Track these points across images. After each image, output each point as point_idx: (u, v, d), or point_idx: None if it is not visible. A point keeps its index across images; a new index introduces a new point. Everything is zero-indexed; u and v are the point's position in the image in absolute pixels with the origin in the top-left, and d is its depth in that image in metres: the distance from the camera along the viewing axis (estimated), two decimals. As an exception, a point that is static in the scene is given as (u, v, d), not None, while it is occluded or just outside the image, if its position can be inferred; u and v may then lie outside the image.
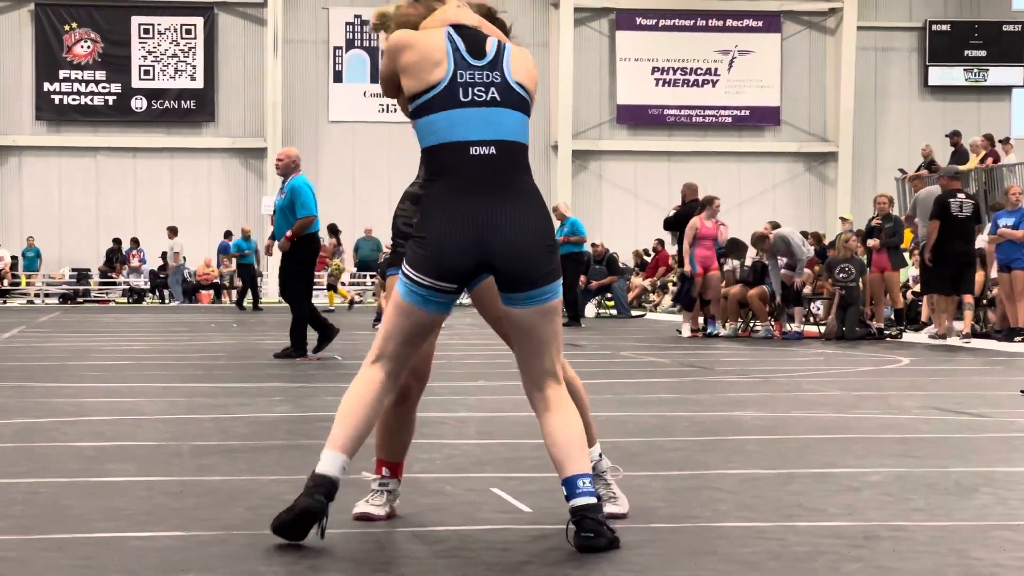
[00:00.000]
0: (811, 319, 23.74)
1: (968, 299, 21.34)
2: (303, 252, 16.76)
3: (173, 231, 42.42)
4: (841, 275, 21.67)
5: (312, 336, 16.80)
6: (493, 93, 5.62)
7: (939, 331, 21.29)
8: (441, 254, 5.53)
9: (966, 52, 48.74)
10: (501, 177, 5.60)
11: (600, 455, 6.09)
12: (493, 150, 5.62)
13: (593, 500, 5.41)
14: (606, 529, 5.35)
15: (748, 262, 23.08)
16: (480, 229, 5.53)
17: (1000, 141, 32.14)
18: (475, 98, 5.59)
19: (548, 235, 5.60)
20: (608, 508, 5.91)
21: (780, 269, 22.14)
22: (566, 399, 5.63)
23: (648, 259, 39.72)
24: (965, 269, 21.37)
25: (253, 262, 36.94)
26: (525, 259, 5.53)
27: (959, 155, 32.00)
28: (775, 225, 24.21)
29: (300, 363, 16.04)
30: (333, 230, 38.25)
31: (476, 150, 5.60)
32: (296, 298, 16.77)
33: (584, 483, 5.44)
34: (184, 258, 43.12)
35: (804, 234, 25.66)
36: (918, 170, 34.06)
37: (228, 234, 43.07)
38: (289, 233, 16.55)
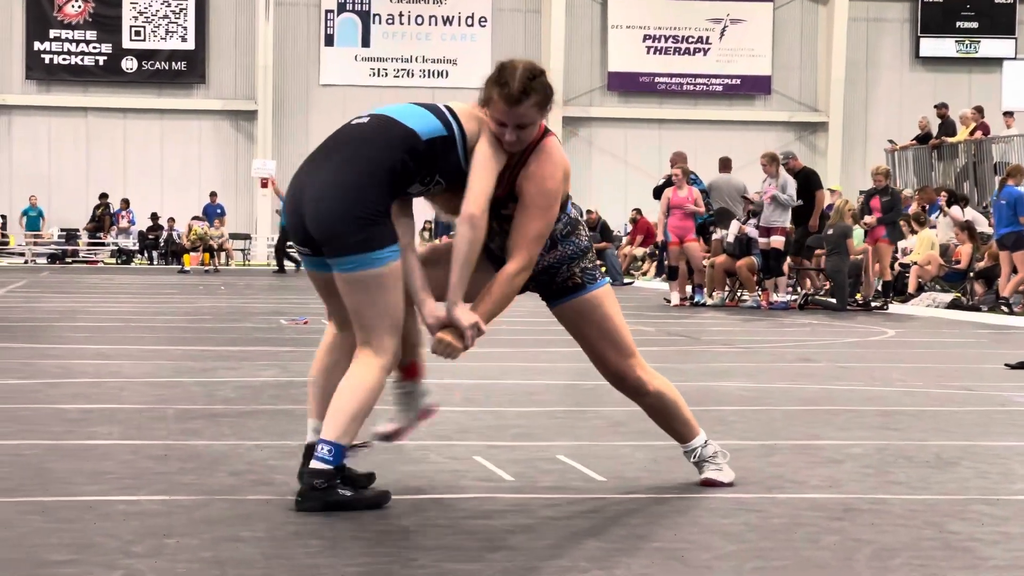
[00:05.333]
0: (797, 289, 23.75)
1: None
2: None
3: None
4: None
5: None
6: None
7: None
8: (286, 218, 5.75)
9: (958, 23, 48.68)
10: (349, 144, 5.66)
11: (706, 442, 6.16)
12: (366, 119, 5.74)
13: (324, 467, 5.47)
14: (322, 494, 5.45)
15: (731, 237, 23.05)
16: (299, 190, 5.66)
17: (1004, 114, 32.05)
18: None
19: (364, 205, 5.48)
20: (710, 475, 6.13)
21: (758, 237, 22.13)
22: (361, 369, 5.58)
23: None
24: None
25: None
26: (325, 222, 5.51)
27: (946, 127, 31.98)
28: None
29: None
30: (212, 195, 42.34)
31: (353, 120, 5.79)
32: None
33: (324, 449, 5.49)
34: None
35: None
36: (912, 140, 34.02)
37: (214, 195, 43.26)
38: None
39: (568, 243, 5.91)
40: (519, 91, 5.54)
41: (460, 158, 5.64)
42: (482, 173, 5.58)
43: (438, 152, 5.60)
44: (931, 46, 48.67)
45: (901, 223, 25.12)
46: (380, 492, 5.68)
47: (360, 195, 5.49)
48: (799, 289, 23.29)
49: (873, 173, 23.86)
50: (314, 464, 5.49)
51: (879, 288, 22.85)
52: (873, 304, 21.99)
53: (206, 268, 38.34)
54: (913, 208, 26.59)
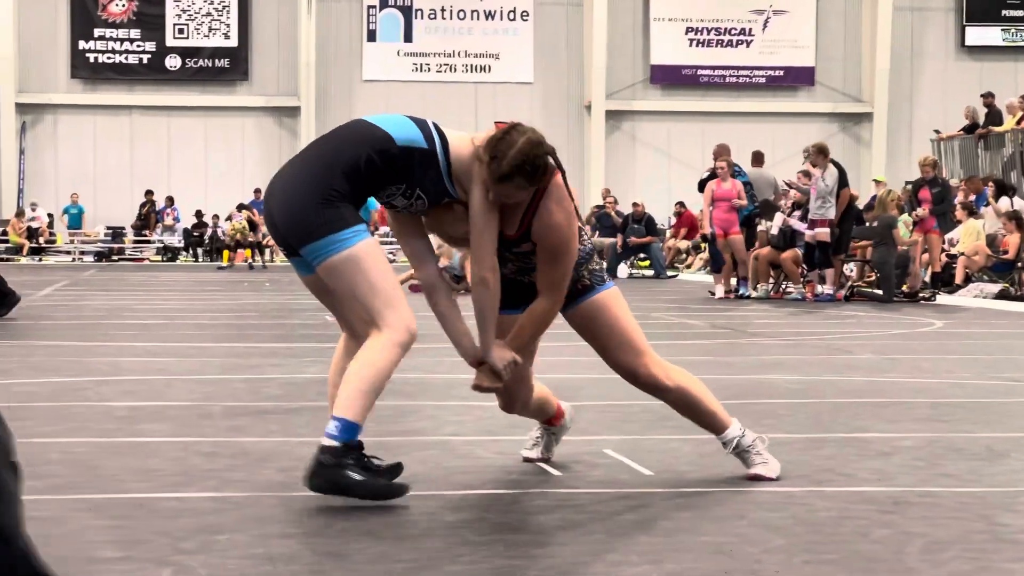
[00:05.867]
0: (843, 280, 23.66)
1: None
2: None
3: None
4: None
5: None
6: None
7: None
8: (265, 222, 5.80)
9: (1004, 12, 48.35)
10: (317, 143, 5.72)
11: (743, 431, 6.11)
12: (348, 122, 5.79)
13: (331, 443, 5.43)
14: (330, 471, 5.39)
15: (774, 230, 22.97)
16: (269, 191, 5.70)
17: None
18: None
19: (319, 190, 5.48)
20: (757, 470, 6.07)
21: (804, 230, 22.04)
22: (371, 347, 5.55)
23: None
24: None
25: None
26: (286, 213, 5.55)
27: (993, 116, 31.79)
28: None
29: None
30: (256, 191, 42.26)
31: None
32: None
33: (331, 425, 5.47)
34: None
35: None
36: (959, 130, 33.80)
37: (258, 191, 43.50)
38: None
39: None
40: (503, 173, 5.53)
41: (444, 177, 5.62)
42: (483, 235, 5.63)
43: (415, 163, 5.58)
44: (977, 35, 48.36)
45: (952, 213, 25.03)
46: (397, 484, 5.58)
47: (315, 182, 5.51)
48: (845, 280, 23.20)
49: (920, 164, 23.78)
50: (322, 440, 5.48)
51: (926, 279, 22.72)
52: (921, 295, 21.87)
53: (251, 264, 38.42)
54: (960, 198, 26.45)
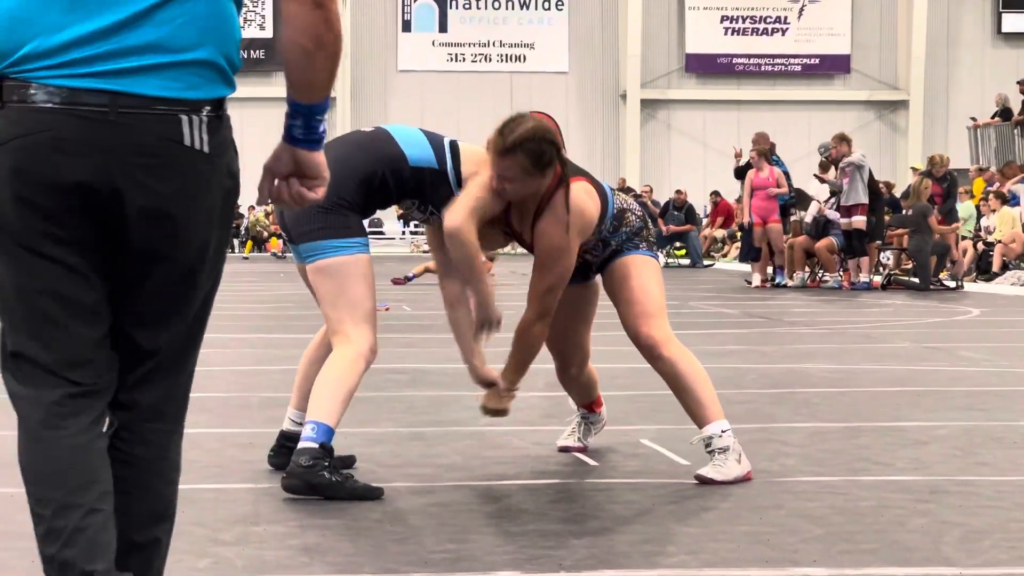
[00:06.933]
0: (880, 269, 23.59)
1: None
2: None
3: None
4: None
5: None
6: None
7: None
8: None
9: (1040, -2, 48.10)
10: (342, 147, 5.76)
11: (722, 433, 5.86)
12: (371, 130, 5.92)
13: (309, 444, 5.48)
14: (304, 472, 5.43)
15: (808, 217, 22.91)
16: None
17: None
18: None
19: (330, 196, 5.27)
20: (705, 472, 5.83)
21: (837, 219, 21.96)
22: (337, 355, 5.68)
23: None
24: None
25: None
26: (291, 212, 5.62)
27: (1029, 103, 31.66)
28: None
29: None
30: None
31: (363, 128, 6.01)
32: None
33: (308, 428, 5.54)
34: None
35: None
36: (993, 117, 33.67)
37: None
38: None
39: (618, 236, 6.08)
40: (505, 147, 5.62)
41: (453, 195, 5.74)
42: (469, 189, 5.73)
43: (426, 182, 5.75)
44: (1013, 21, 48.09)
45: (977, 201, 24.96)
46: (373, 486, 5.61)
47: (333, 186, 5.55)
48: (882, 269, 23.14)
49: (937, 164, 23.76)
50: (300, 444, 5.54)
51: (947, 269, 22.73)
52: (947, 285, 21.81)
53: (275, 254, 38.61)
54: (997, 186, 26.34)
